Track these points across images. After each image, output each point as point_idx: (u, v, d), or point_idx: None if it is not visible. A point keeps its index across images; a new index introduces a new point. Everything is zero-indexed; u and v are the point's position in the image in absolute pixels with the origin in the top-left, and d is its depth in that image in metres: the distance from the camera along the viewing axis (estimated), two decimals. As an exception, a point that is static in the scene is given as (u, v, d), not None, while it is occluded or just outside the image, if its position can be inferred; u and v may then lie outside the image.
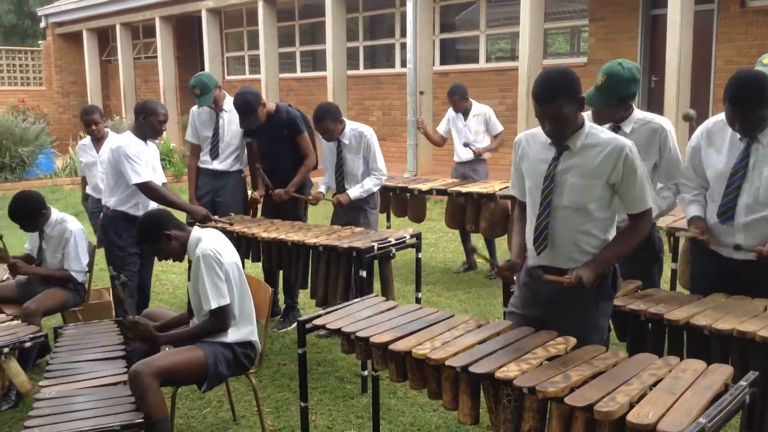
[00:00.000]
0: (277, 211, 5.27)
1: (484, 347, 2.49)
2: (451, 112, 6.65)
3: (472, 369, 2.31)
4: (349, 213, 5.03)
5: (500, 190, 5.65)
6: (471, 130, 6.49)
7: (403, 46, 12.48)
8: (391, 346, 2.57)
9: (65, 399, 3.02)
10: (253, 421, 3.78)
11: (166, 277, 6.55)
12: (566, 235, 2.68)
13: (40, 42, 20.95)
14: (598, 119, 3.19)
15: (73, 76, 20.00)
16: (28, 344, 3.70)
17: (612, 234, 2.72)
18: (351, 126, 4.96)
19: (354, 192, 4.95)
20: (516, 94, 9.83)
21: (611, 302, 2.80)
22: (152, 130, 4.57)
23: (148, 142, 4.60)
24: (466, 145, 6.44)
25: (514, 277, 2.88)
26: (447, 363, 2.37)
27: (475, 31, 12.02)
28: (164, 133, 15.70)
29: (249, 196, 5.46)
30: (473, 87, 9.98)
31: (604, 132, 2.67)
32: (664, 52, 8.40)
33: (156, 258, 3.50)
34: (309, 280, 4.57)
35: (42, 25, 20.44)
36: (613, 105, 3.20)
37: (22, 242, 4.80)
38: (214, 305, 3.27)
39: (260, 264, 4.95)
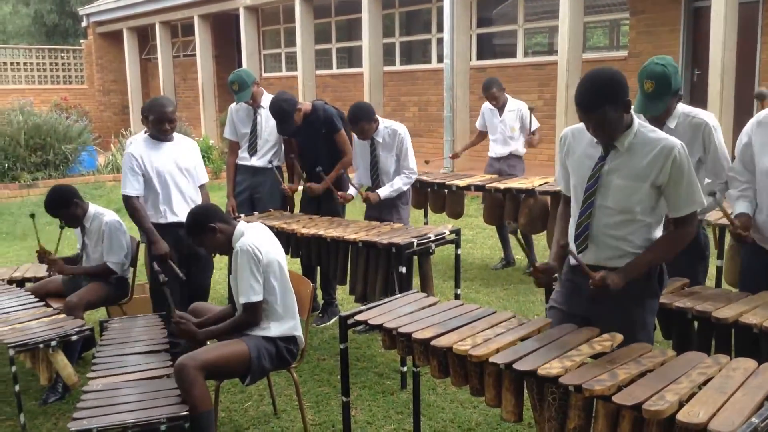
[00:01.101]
0: (315, 207, 5.30)
1: (527, 344, 2.47)
2: (485, 107, 6.59)
3: (516, 366, 2.29)
4: (381, 208, 5.04)
5: (540, 185, 5.59)
6: (507, 125, 6.42)
7: (440, 41, 12.44)
8: (433, 342, 2.57)
9: (112, 391, 3.08)
10: (293, 416, 3.81)
11: (206, 273, 6.62)
12: (608, 236, 2.64)
13: (81, 41, 21.37)
14: (652, 124, 3.14)
15: (114, 75, 20.38)
16: (74, 338, 3.79)
17: (657, 235, 2.66)
18: (385, 124, 4.96)
19: (384, 191, 4.95)
20: (555, 88, 9.72)
21: (657, 300, 2.75)
22: (156, 131, 4.40)
23: (182, 140, 4.59)
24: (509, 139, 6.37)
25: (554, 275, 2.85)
26: (490, 360, 2.35)
27: (512, 26, 11.91)
28: (202, 130, 15.81)
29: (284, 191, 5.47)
30: (511, 82, 9.93)
31: (653, 131, 2.61)
32: (707, 46, 8.23)
33: (206, 251, 3.54)
34: (348, 276, 4.59)
35: (83, 24, 20.87)
36: (669, 106, 3.16)
37: (66, 238, 4.88)
38: (244, 300, 3.30)
39: (298, 260, 4.97)
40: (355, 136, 5.01)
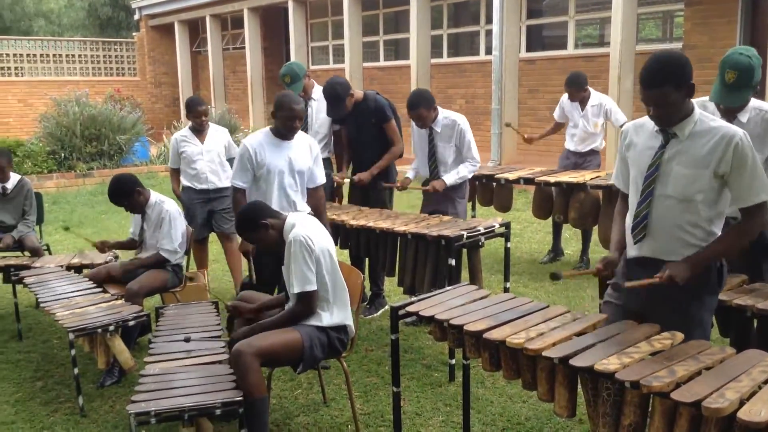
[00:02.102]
0: (364, 198, 5.32)
1: (584, 339, 2.45)
2: (566, 99, 6.35)
3: (572, 361, 2.27)
4: (439, 202, 5.03)
5: (591, 179, 5.52)
6: (589, 122, 6.20)
7: (488, 33, 12.34)
8: (486, 335, 2.56)
9: (168, 376, 3.15)
10: (342, 404, 3.85)
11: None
12: (667, 227, 2.60)
13: (134, 34, 21.81)
14: (726, 114, 3.08)
15: (165, 67, 20.77)
16: (131, 323, 3.91)
17: (719, 227, 2.60)
18: (444, 114, 4.94)
19: (450, 178, 4.92)
20: (606, 81, 9.55)
21: (716, 296, 2.70)
22: (285, 128, 4.46)
23: (302, 140, 4.48)
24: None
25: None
26: (545, 354, 2.34)
27: (563, 17, 11.74)
28: (251, 122, 15.99)
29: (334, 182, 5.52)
30: (561, 74, 9.76)
31: (714, 120, 2.56)
32: (766, 38, 7.97)
33: (259, 248, 3.60)
34: (396, 268, 4.60)
35: (136, 17, 21.30)
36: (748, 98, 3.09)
37: (121, 226, 5.00)
38: (297, 290, 3.34)
39: (347, 251, 5.01)
40: (413, 124, 5.00)
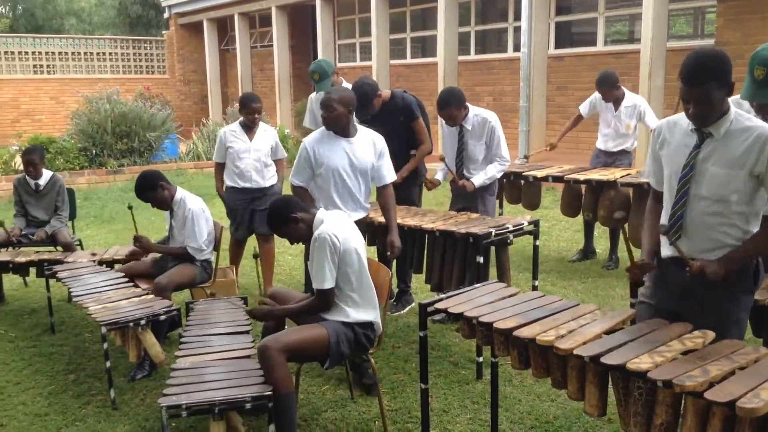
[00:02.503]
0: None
1: (615, 338, 2.43)
2: (598, 98, 6.22)
3: (603, 360, 2.25)
4: (468, 199, 5.01)
5: (621, 177, 5.46)
6: (622, 123, 6.10)
7: (516, 30, 12.26)
8: (515, 333, 2.55)
9: (199, 370, 3.19)
10: (369, 401, 3.86)
11: (283, 258, 6.77)
12: (702, 227, 2.57)
13: (163, 32, 22.05)
14: (760, 112, 3.02)
15: (194, 65, 20.97)
16: (162, 317, 3.95)
17: (756, 227, 2.56)
18: (474, 111, 4.92)
19: (478, 180, 4.91)
20: (636, 78, 9.43)
21: (752, 296, 2.66)
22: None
23: (364, 136, 4.39)
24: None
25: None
26: (576, 352, 2.33)
27: (593, 13, 11.62)
28: (278, 119, 16.15)
29: None
30: (590, 71, 9.71)
31: (750, 119, 2.52)
32: (803, 32, 7.82)
33: (289, 241, 3.62)
34: (424, 265, 4.60)
35: (165, 15, 21.54)
36: None
37: (151, 222, 5.05)
38: (317, 286, 3.36)
39: (374, 248, 5.02)
40: (443, 122, 4.99)
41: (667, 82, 9.14)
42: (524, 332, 2.53)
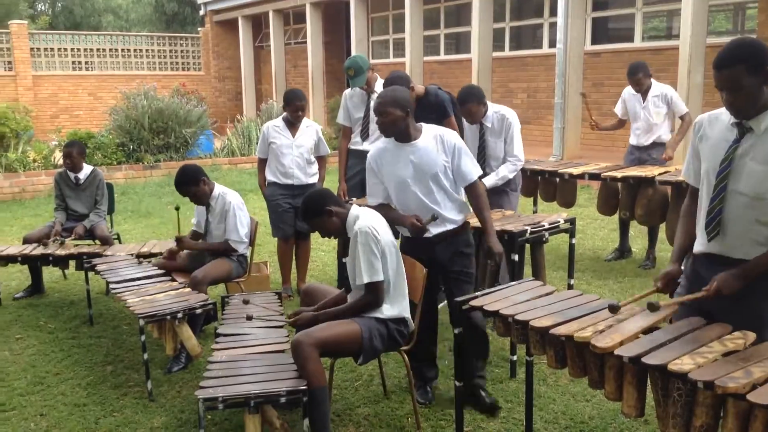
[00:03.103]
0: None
1: (653, 337, 2.39)
2: (627, 92, 6.23)
3: (644, 360, 2.22)
4: (490, 195, 4.98)
5: (659, 174, 5.38)
6: (651, 112, 6.07)
7: (552, 25, 12.14)
8: (552, 331, 2.53)
9: (235, 363, 3.22)
10: (402, 397, 3.86)
11: (316, 254, 6.79)
12: (740, 224, 2.51)
13: (199, 29, 22.29)
14: None
15: (229, 62, 21.18)
16: (198, 311, 4.00)
17: None
18: (494, 108, 4.90)
19: (489, 180, 4.88)
20: (674, 75, 9.28)
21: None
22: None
23: (429, 136, 4.43)
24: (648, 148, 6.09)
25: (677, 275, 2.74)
26: (616, 353, 2.30)
27: (630, 9, 11.45)
28: (311, 115, 16.19)
29: None
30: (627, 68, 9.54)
31: None
32: None
33: (320, 235, 3.63)
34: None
35: (201, 12, 21.79)
36: None
37: (186, 218, 5.11)
38: (366, 280, 3.36)
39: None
40: (464, 120, 4.98)
41: (707, 80, 8.98)
42: (561, 330, 2.51)
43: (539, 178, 6.16)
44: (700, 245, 2.66)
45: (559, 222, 4.24)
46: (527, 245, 4.29)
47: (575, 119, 10.69)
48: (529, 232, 4.06)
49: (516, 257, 4.02)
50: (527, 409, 3.31)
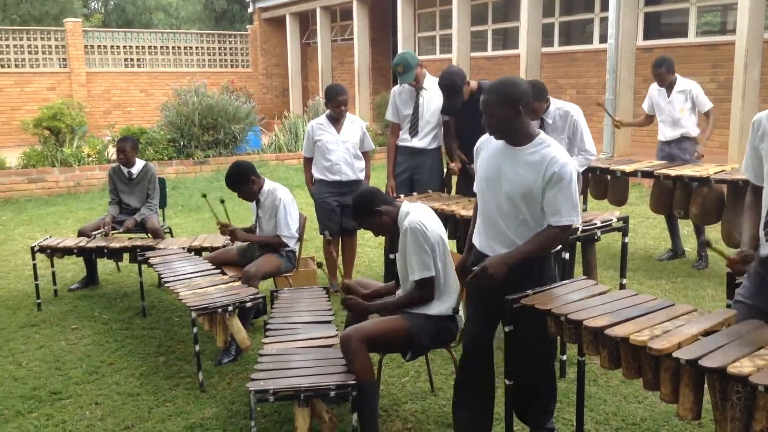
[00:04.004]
0: (472, 188, 5.25)
1: (712, 340, 2.33)
2: (653, 88, 6.29)
3: (702, 362, 2.16)
4: None
5: (715, 173, 5.24)
6: (675, 107, 6.11)
7: (603, 20, 11.93)
8: (607, 331, 2.48)
9: (284, 356, 3.26)
10: (449, 394, 3.83)
11: (362, 250, 6.81)
12: None
13: (247, 26, 22.55)
14: None
15: (276, 59, 21.38)
16: (248, 304, 4.05)
17: None
18: (556, 104, 4.81)
19: None
20: (730, 70, 9.03)
21: None
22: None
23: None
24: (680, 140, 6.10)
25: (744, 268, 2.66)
26: (673, 355, 2.24)
27: (684, 3, 11.17)
28: (357, 112, 16.29)
29: (446, 170, 5.49)
30: (681, 63, 9.32)
31: None
32: None
33: (373, 233, 3.65)
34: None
35: (250, 10, 22.03)
36: None
37: (234, 213, 5.17)
38: (418, 276, 3.35)
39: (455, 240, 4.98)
40: None
41: (764, 75, 8.72)
42: (616, 331, 2.46)
43: (590, 175, 6.05)
44: (765, 248, 2.57)
45: (611, 220, 4.16)
46: (578, 243, 4.23)
47: (626, 116, 10.46)
48: (580, 230, 3.99)
49: (567, 255, 3.96)
50: (578, 409, 3.26)
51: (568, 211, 2.91)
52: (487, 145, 3.15)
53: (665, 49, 11.24)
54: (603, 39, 11.68)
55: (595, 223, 4.09)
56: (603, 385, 3.87)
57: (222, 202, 4.85)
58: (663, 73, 6.06)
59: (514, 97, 2.92)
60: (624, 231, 4.24)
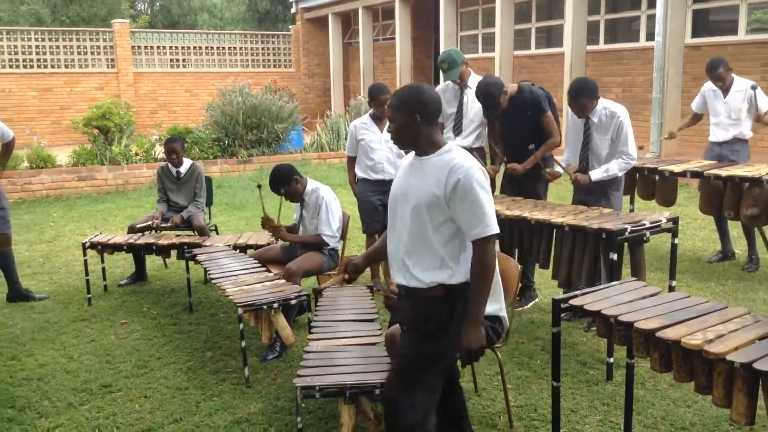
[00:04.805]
0: (516, 189, 5.23)
1: (766, 343, 2.28)
2: (707, 87, 6.16)
3: (756, 366, 2.12)
4: (590, 193, 4.84)
5: (767, 173, 5.10)
6: (732, 107, 5.95)
7: (650, 18, 11.71)
8: (659, 334, 2.44)
9: (330, 353, 3.28)
10: (494, 395, 3.82)
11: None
12: None
13: (290, 27, 22.74)
14: None
15: (318, 59, 21.52)
16: (293, 302, 4.09)
17: None
18: (603, 104, 4.74)
19: (596, 174, 4.73)
20: (783, 68, 8.79)
21: None
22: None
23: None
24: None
25: None
26: (728, 358, 2.20)
27: (734, 0, 10.90)
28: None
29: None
30: (731, 61, 9.11)
31: None
32: None
33: None
34: (551, 260, 4.50)
35: (293, 10, 22.20)
36: None
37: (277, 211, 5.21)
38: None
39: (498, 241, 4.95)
40: (569, 113, 4.86)
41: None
42: (669, 333, 2.42)
43: (637, 175, 5.96)
44: None
45: (661, 221, 4.09)
46: (626, 244, 4.16)
47: (673, 115, 10.29)
48: (629, 230, 3.93)
49: (615, 257, 3.90)
50: (626, 412, 3.21)
51: (485, 219, 2.65)
52: (403, 163, 2.97)
53: (714, 47, 11.00)
54: (650, 37, 11.48)
55: (644, 224, 4.02)
56: (651, 388, 3.81)
57: (259, 187, 4.91)
58: (722, 72, 5.90)
59: (411, 103, 2.74)
60: (674, 232, 4.17)
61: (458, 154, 2.72)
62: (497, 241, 4.76)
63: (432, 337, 2.71)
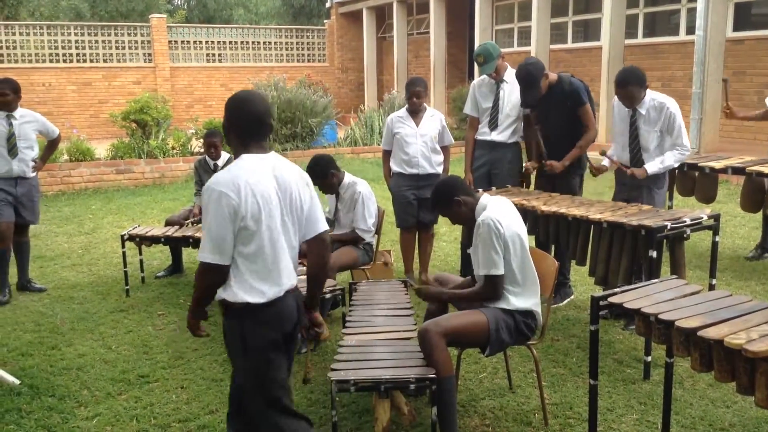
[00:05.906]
0: (552, 185, 5.17)
1: (815, 345, 2.22)
2: None
3: (803, 367, 2.06)
4: (633, 189, 4.75)
5: (813, 170, 4.98)
6: None
7: (690, 11, 11.49)
8: (700, 333, 2.39)
9: (364, 348, 3.29)
10: (528, 392, 3.80)
11: (438, 244, 6.79)
12: None
13: (324, 21, 22.80)
14: None
15: (352, 53, 21.55)
16: (327, 296, 4.09)
17: None
18: (651, 95, 4.64)
19: (652, 167, 4.62)
20: (829, 62, 8.55)
21: None
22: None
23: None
24: None
25: None
26: (770, 357, 2.15)
27: (778, -8, 10.65)
28: (432, 106, 16.22)
29: (524, 166, 5.42)
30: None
31: None
32: None
33: (451, 222, 3.64)
34: (588, 257, 4.44)
35: (327, 5, 22.27)
36: None
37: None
38: (483, 272, 3.34)
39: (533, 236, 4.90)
40: (615, 105, 4.78)
41: None
42: (710, 333, 2.37)
43: (676, 171, 5.84)
44: None
45: (702, 218, 4.00)
46: (665, 242, 4.09)
47: (714, 110, 10.08)
48: (668, 227, 3.86)
49: (654, 254, 3.84)
50: (665, 412, 3.16)
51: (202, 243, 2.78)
52: None
53: (757, 40, 10.76)
54: (690, 30, 11.27)
55: (685, 221, 3.94)
56: (689, 388, 3.74)
57: None
58: None
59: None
60: (715, 229, 4.08)
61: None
62: (533, 237, 4.74)
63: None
